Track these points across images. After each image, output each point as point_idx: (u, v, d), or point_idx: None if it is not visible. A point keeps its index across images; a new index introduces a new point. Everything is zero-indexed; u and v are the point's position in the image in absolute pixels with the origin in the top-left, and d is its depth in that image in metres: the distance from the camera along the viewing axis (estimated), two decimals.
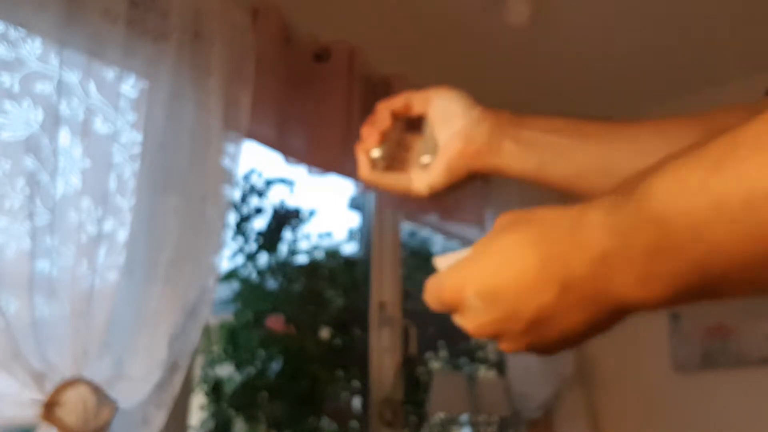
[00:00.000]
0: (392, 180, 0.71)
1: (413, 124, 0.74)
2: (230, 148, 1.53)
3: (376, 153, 0.69)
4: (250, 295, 2.42)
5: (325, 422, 2.39)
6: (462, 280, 0.44)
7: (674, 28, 2.15)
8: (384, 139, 0.69)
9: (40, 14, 1.24)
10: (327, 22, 1.95)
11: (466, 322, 0.45)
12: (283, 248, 2.54)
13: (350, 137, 1.83)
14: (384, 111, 0.70)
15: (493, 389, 2.36)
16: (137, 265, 1.34)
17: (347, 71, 1.88)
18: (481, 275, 0.43)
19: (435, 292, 0.46)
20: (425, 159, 0.70)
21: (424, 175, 0.70)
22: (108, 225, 1.29)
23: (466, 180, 0.69)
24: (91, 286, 1.24)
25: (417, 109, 0.71)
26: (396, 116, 0.71)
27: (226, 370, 2.33)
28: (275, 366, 2.32)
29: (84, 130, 1.28)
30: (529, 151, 0.64)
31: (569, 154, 0.63)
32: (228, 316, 2.39)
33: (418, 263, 2.99)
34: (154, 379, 1.30)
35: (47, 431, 1.15)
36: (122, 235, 1.32)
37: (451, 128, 0.68)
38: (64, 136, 1.25)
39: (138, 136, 1.38)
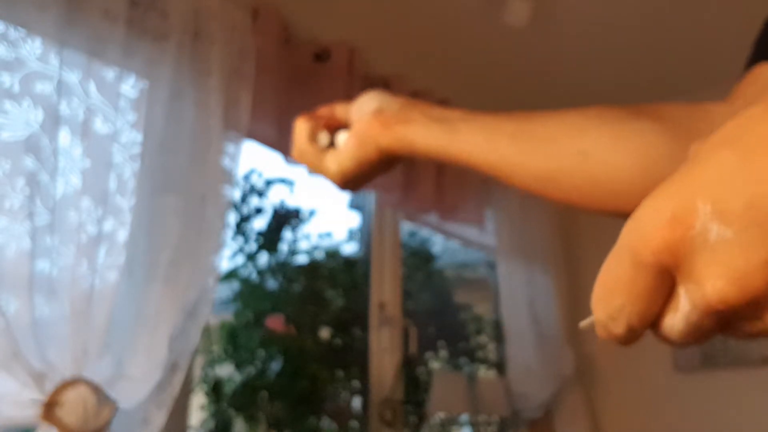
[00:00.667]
0: (315, 154, 0.67)
1: None
2: (230, 148, 1.53)
3: (323, 138, 0.68)
4: (250, 295, 2.42)
5: (325, 422, 2.39)
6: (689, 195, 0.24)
7: (674, 28, 2.15)
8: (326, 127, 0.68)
9: (40, 14, 1.24)
10: (327, 22, 1.95)
11: (711, 269, 0.24)
12: (283, 248, 2.54)
13: None
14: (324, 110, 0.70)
15: (493, 389, 2.36)
16: (137, 265, 1.34)
17: (347, 71, 1.88)
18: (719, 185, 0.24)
19: (634, 242, 0.27)
20: (340, 136, 0.68)
21: (336, 154, 0.67)
22: (108, 225, 1.29)
23: (376, 165, 0.65)
24: (91, 286, 1.24)
25: (339, 113, 0.70)
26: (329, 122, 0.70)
27: (226, 370, 2.33)
28: (275, 366, 2.32)
29: (84, 130, 1.28)
30: (441, 122, 0.61)
31: (487, 134, 0.59)
32: (228, 316, 2.39)
33: (418, 263, 2.99)
34: (154, 379, 1.30)
35: (47, 431, 1.15)
36: (122, 235, 1.32)
37: (365, 112, 0.66)
38: (64, 136, 1.25)
39: (138, 136, 1.38)
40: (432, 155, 0.61)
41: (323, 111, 0.69)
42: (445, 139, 0.60)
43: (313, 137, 0.67)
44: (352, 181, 0.67)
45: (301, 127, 0.68)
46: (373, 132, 0.63)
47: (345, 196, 2.52)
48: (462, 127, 0.59)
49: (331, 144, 0.68)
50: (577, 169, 0.54)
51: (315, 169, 0.68)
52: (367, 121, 0.64)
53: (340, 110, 0.69)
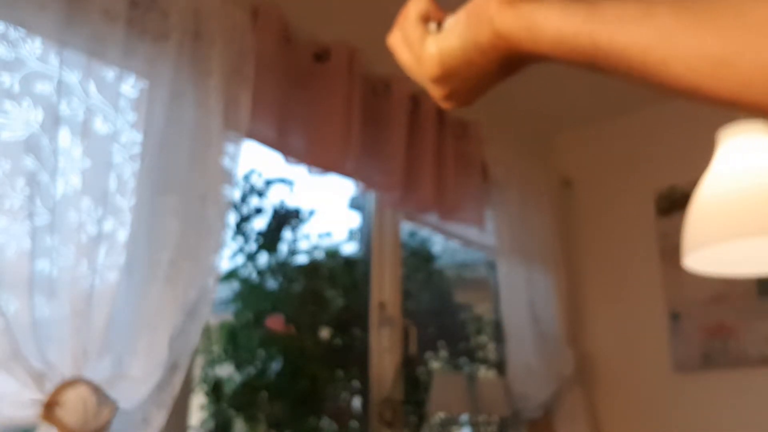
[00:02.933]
0: (417, 39, 0.55)
1: None
2: (230, 148, 1.53)
3: (433, 27, 0.55)
4: (250, 295, 2.41)
5: (325, 422, 2.39)
6: None
7: None
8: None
9: (40, 14, 1.24)
10: (327, 22, 1.95)
11: None
12: (283, 248, 2.53)
13: (350, 137, 1.83)
14: None
15: (493, 389, 2.36)
16: (137, 265, 1.34)
17: (347, 71, 1.88)
18: None
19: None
20: (447, 21, 0.55)
21: (438, 35, 0.54)
22: (108, 225, 1.29)
23: (487, 56, 0.51)
24: (91, 286, 1.24)
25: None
26: None
27: (226, 370, 2.33)
28: (275, 366, 2.32)
29: (84, 130, 1.28)
30: (580, 1, 0.48)
31: (642, 8, 0.46)
32: (228, 316, 2.39)
33: (418, 263, 2.99)
34: (154, 379, 1.30)
35: (47, 431, 1.15)
36: (122, 235, 1.32)
37: None
38: (64, 136, 1.25)
39: (138, 136, 1.38)
40: (562, 43, 0.47)
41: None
42: (584, 15, 0.46)
43: (425, 19, 0.55)
44: (449, 73, 0.53)
45: (416, 5, 0.56)
46: (491, 9, 0.50)
47: (345, 196, 2.52)
48: (607, 5, 0.46)
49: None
50: (765, 45, 0.40)
51: (411, 56, 0.55)
52: (482, 1, 0.51)
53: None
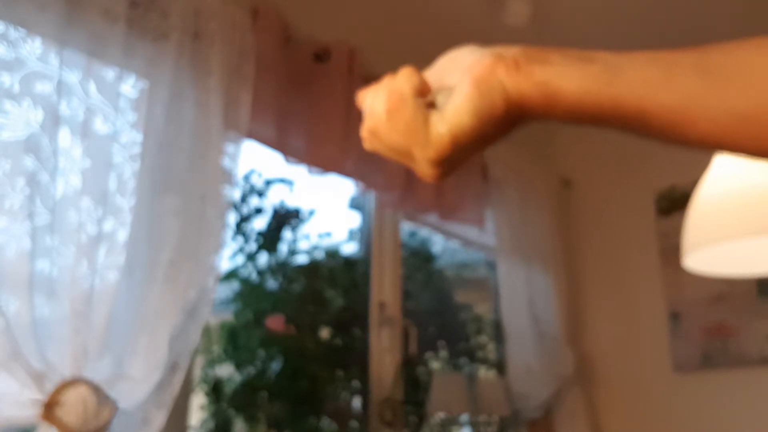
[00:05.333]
0: (415, 116, 0.49)
1: None
2: (230, 148, 1.53)
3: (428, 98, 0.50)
4: (250, 295, 2.42)
5: (325, 422, 2.39)
6: None
7: (675, 28, 2.14)
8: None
9: (40, 14, 1.24)
10: (327, 22, 1.95)
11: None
12: (283, 248, 2.54)
13: (350, 137, 1.83)
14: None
15: (493, 389, 2.36)
16: (137, 265, 1.34)
17: (347, 71, 1.88)
18: None
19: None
20: (439, 96, 0.50)
21: (444, 114, 0.48)
22: (108, 225, 1.29)
23: (501, 123, 0.47)
24: (91, 286, 1.24)
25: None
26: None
27: (226, 370, 2.33)
28: (275, 366, 2.32)
29: (84, 130, 1.28)
30: (593, 62, 0.45)
31: (664, 69, 0.45)
32: (228, 316, 2.39)
33: (418, 263, 2.99)
34: (154, 379, 1.30)
35: (47, 431, 1.15)
36: (122, 235, 1.32)
37: (465, 63, 0.49)
38: (64, 136, 1.25)
39: (138, 136, 1.38)
40: (583, 106, 0.45)
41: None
42: (606, 78, 0.45)
43: (420, 93, 0.50)
44: (464, 148, 0.48)
45: (409, 77, 0.50)
46: (500, 76, 0.46)
47: (345, 196, 2.52)
48: (625, 63, 0.45)
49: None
50: None
51: (409, 134, 0.49)
52: (490, 63, 0.47)
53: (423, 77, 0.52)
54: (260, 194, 2.50)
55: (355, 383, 2.47)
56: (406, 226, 2.44)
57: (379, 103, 0.50)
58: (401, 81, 0.50)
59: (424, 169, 0.50)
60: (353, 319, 2.46)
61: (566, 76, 0.45)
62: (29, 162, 1.19)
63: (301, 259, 2.60)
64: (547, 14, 2.04)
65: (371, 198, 2.23)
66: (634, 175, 2.69)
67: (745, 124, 0.43)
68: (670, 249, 2.45)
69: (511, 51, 0.48)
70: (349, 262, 2.63)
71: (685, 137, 0.45)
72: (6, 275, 1.14)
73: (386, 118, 0.49)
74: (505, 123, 0.48)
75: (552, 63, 0.46)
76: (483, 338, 3.03)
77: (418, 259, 3.00)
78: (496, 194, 2.43)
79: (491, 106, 0.46)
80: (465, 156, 0.50)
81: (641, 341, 2.56)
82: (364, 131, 0.52)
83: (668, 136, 0.46)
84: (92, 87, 1.31)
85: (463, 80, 0.48)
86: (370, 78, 2.07)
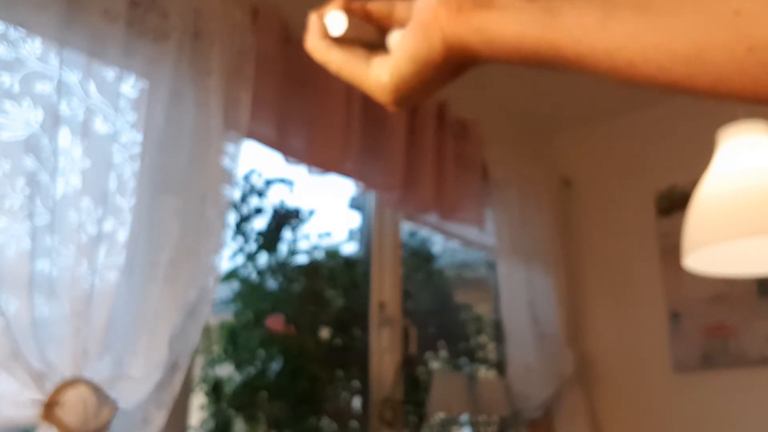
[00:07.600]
0: (345, 57, 0.51)
1: None
2: (230, 148, 1.53)
3: (334, 19, 0.50)
4: (250, 295, 2.41)
5: (325, 422, 2.39)
6: None
7: None
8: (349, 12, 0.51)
9: (40, 14, 1.24)
10: None
11: None
12: (283, 248, 2.53)
13: (350, 137, 1.83)
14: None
15: (493, 389, 2.36)
16: (137, 265, 1.34)
17: None
18: None
19: None
20: (392, 37, 0.51)
21: (386, 59, 0.50)
22: (108, 225, 1.29)
23: (441, 69, 0.49)
24: (91, 286, 1.24)
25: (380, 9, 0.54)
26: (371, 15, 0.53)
27: (226, 370, 2.33)
28: (275, 366, 2.32)
29: (84, 130, 1.28)
30: (533, 2, 0.45)
31: (603, 8, 0.43)
32: (228, 316, 2.39)
33: (418, 263, 2.99)
34: (154, 379, 1.30)
35: (47, 431, 1.15)
36: (122, 235, 1.32)
37: (417, 4, 0.50)
38: (64, 136, 1.25)
39: (138, 136, 1.38)
40: (521, 50, 0.45)
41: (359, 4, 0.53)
42: (543, 22, 0.43)
43: (325, 34, 0.51)
44: (407, 94, 0.50)
45: (313, 25, 0.52)
46: (441, 21, 0.47)
47: (345, 196, 2.52)
48: (564, 5, 0.43)
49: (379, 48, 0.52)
50: (732, 36, 0.38)
51: (344, 74, 0.51)
52: (433, 8, 0.47)
53: (383, 6, 0.53)
54: (260, 194, 2.50)
55: (355, 383, 2.46)
56: (406, 226, 2.44)
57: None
58: (310, 31, 0.52)
59: (376, 98, 0.52)
60: (353, 319, 2.46)
61: (504, 21, 0.45)
62: (29, 162, 1.19)
63: (301, 259, 2.59)
64: None
65: (371, 198, 2.23)
66: (634, 175, 2.69)
67: (688, 65, 0.40)
68: (670, 249, 2.45)
69: None
70: (349, 262, 2.63)
71: (629, 79, 0.43)
72: (6, 275, 1.14)
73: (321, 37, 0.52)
74: (448, 67, 0.49)
75: (494, 7, 0.45)
76: (483, 338, 3.03)
77: (418, 259, 3.00)
78: (496, 194, 2.43)
79: (429, 51, 0.48)
80: (418, 95, 0.51)
81: (641, 341, 2.56)
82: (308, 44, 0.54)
83: (613, 78, 0.44)
84: (92, 87, 1.31)
85: (410, 25, 0.49)
86: None
